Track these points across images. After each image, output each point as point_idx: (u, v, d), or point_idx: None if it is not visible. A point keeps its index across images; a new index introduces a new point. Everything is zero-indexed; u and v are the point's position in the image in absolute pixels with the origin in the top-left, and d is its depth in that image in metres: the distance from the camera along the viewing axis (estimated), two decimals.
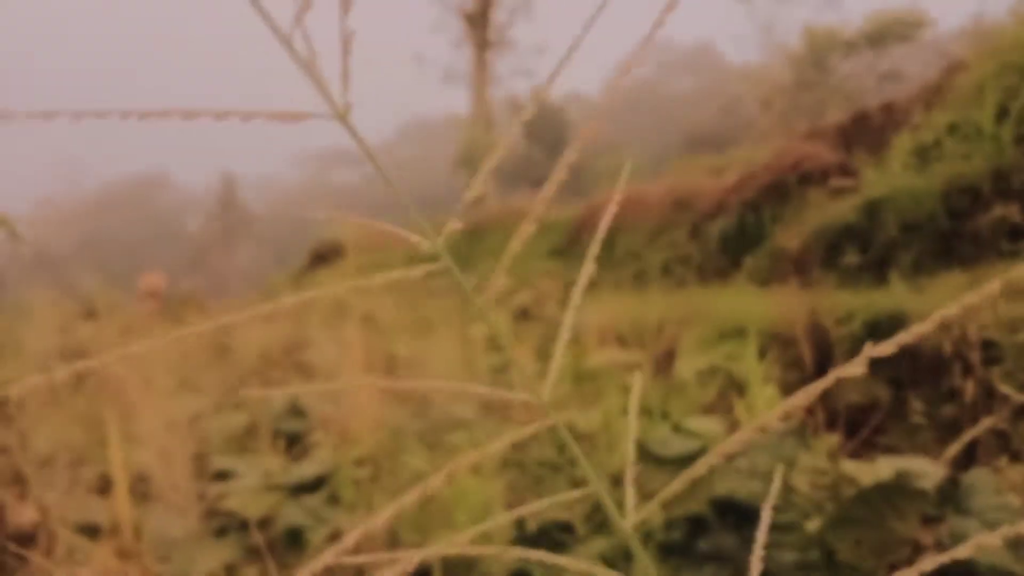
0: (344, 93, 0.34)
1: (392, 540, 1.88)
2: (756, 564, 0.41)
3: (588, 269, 0.40)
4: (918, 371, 2.36)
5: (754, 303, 3.89)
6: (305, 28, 0.34)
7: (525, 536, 1.81)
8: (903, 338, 0.31)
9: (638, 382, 0.47)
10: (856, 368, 0.31)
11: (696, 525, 1.75)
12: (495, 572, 1.69)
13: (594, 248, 0.40)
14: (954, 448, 1.87)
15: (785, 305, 3.07)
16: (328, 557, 0.32)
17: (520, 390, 0.38)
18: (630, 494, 0.41)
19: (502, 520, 0.37)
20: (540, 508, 0.38)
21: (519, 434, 0.38)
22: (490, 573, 1.69)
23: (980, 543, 0.36)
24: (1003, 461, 1.83)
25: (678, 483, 0.38)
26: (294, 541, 2.01)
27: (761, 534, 0.42)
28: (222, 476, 2.28)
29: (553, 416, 0.38)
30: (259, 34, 0.35)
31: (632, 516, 0.40)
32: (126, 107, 0.32)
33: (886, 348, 0.31)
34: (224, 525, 2.08)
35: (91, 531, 1.98)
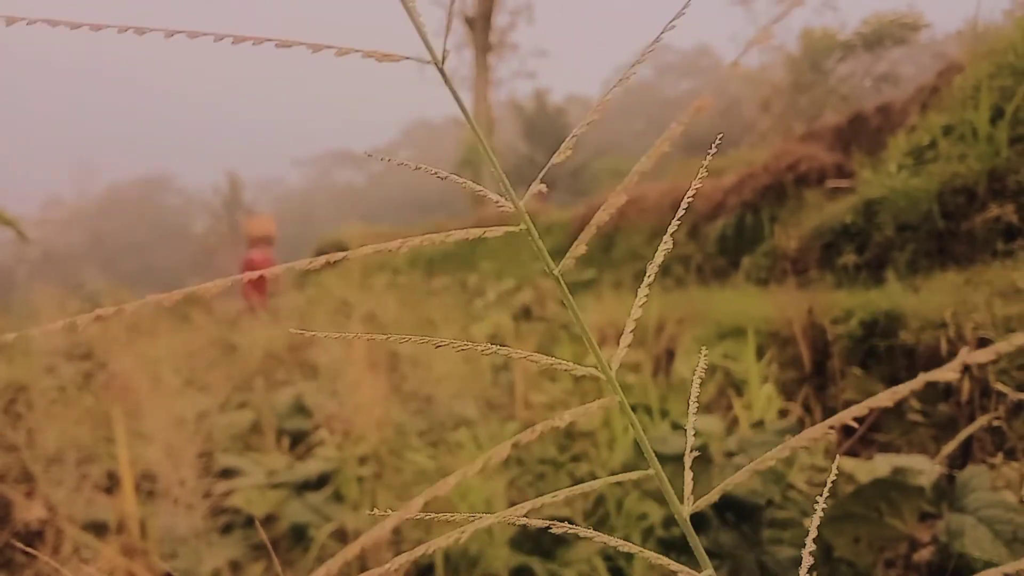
0: (445, 42, 0.36)
1: (394, 535, 1.90)
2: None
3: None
4: (914, 369, 2.39)
5: (752, 303, 3.91)
6: None
7: (526, 532, 1.84)
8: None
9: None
10: (949, 374, 0.30)
11: (695, 522, 1.77)
12: (497, 568, 1.71)
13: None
14: (950, 446, 1.89)
15: (783, 305, 3.08)
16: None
17: (587, 366, 0.38)
18: (688, 480, 0.42)
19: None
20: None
21: (584, 411, 0.37)
22: (492, 569, 1.71)
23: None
24: (998, 458, 1.85)
25: (742, 474, 0.38)
26: (299, 538, 2.04)
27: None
28: (228, 474, 2.31)
29: (620, 393, 0.38)
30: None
31: (690, 504, 0.41)
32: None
33: (983, 355, 0.29)
34: (230, 522, 2.10)
35: (98, 529, 2.00)
